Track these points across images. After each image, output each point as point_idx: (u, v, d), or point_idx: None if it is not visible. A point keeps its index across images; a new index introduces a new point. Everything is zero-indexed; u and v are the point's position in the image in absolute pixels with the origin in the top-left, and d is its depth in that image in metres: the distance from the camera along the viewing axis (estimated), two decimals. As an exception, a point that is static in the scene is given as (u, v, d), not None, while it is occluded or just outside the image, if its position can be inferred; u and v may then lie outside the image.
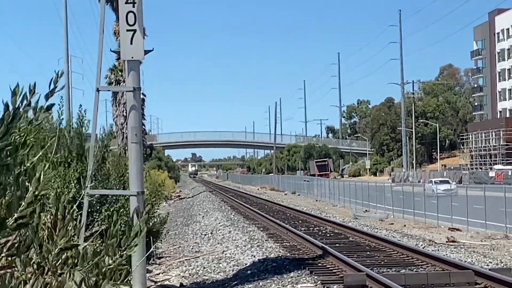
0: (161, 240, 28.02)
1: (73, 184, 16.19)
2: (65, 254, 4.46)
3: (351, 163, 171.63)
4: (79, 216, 13.35)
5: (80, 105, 18.09)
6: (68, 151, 17.52)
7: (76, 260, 4.49)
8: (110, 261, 4.50)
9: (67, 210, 4.56)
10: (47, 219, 4.53)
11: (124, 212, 16.96)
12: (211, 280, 21.50)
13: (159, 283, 21.23)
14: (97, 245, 4.69)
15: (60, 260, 4.44)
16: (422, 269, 20.84)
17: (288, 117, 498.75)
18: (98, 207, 16.92)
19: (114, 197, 17.94)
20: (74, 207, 5.03)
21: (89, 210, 14.85)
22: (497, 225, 32.50)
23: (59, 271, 4.43)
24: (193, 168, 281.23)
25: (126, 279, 4.61)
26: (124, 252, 4.57)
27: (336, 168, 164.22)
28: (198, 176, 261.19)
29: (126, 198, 17.61)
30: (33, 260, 4.43)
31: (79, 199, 15.75)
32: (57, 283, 4.45)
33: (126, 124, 21.68)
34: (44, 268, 4.41)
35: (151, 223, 21.67)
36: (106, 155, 18.68)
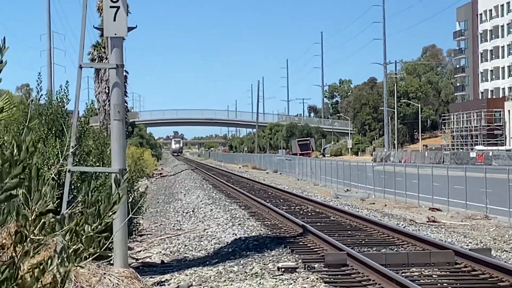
0: (142, 216, 28.01)
1: (52, 161, 16.13)
2: (43, 220, 4.46)
3: (333, 142, 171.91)
4: (57, 187, 13.34)
5: (67, 82, 17.96)
6: (48, 128, 17.46)
7: (54, 226, 4.49)
8: (90, 229, 4.51)
9: (41, 177, 4.54)
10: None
11: (104, 189, 16.94)
12: (192, 257, 21.53)
13: (140, 261, 21.24)
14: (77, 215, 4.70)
15: (37, 226, 4.44)
16: (402, 248, 20.94)
17: (271, 96, 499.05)
18: (78, 185, 16.86)
19: (95, 174, 17.90)
20: (51, 174, 5.02)
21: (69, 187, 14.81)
22: (477, 205, 32.68)
23: (37, 237, 4.43)
24: (177, 145, 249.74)
25: (106, 246, 4.63)
26: (104, 220, 4.59)
27: (318, 148, 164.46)
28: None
29: (106, 175, 17.58)
30: (10, 228, 4.43)
31: (55, 175, 15.74)
32: (37, 250, 4.46)
33: (109, 101, 21.60)
34: (23, 235, 4.40)
35: (131, 197, 21.63)
36: (86, 132, 18.59)
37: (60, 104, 18.04)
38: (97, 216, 4.56)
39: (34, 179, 4.37)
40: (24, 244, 4.40)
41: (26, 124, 15.70)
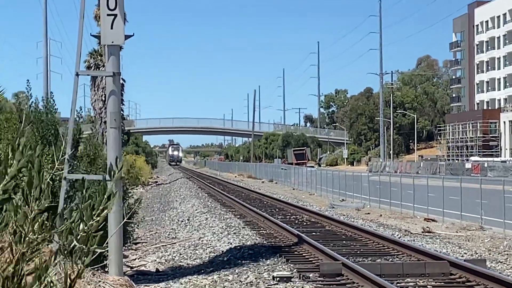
0: (137, 225, 27.98)
1: (47, 169, 16.09)
2: (41, 218, 4.47)
3: (328, 152, 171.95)
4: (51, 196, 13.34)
5: (51, 92, 17.97)
6: (41, 136, 17.41)
7: (52, 223, 4.52)
8: (85, 227, 4.53)
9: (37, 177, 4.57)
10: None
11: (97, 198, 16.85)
12: (187, 266, 21.51)
13: (135, 269, 21.22)
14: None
15: (36, 224, 4.46)
16: (397, 258, 20.94)
17: (267, 105, 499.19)
18: (70, 194, 16.79)
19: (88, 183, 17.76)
20: (48, 176, 5.04)
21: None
22: (472, 216, 32.68)
23: (35, 236, 4.45)
24: (175, 153, 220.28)
25: (103, 243, 4.65)
26: (98, 217, 4.60)
27: (314, 157, 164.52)
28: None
29: (98, 183, 17.52)
30: (8, 227, 4.44)
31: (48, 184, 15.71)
32: (34, 250, 4.47)
33: (105, 108, 21.58)
34: (21, 235, 4.41)
35: (125, 204, 21.59)
36: (79, 140, 18.54)
37: (49, 111, 17.98)
38: (91, 211, 4.59)
39: (36, 174, 4.40)
40: (23, 244, 4.41)
41: (19, 130, 15.72)
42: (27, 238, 4.44)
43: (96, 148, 19.90)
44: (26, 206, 4.44)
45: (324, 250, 20.90)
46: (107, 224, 14.07)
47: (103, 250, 4.70)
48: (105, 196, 4.64)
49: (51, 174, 15.83)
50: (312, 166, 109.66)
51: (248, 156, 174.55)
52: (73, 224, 4.51)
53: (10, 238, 4.44)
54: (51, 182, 15.94)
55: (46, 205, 4.47)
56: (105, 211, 4.66)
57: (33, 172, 4.38)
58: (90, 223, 4.57)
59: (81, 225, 4.55)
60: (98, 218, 4.61)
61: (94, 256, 4.60)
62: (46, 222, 4.54)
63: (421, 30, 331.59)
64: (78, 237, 4.49)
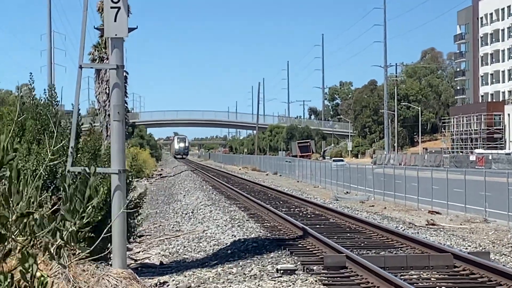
0: (140, 223, 27.98)
1: (47, 161, 16.04)
2: (24, 221, 4.44)
3: (333, 144, 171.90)
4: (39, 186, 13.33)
5: (53, 84, 17.91)
6: (43, 128, 17.36)
7: (34, 227, 4.48)
8: (72, 226, 4.50)
9: (23, 177, 4.53)
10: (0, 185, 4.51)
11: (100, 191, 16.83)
12: (191, 259, 21.53)
13: (139, 261, 21.25)
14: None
15: (19, 228, 4.43)
16: (401, 251, 20.94)
17: (271, 98, 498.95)
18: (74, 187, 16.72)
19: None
20: (35, 177, 5.01)
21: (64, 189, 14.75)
22: (476, 208, 32.66)
23: (18, 239, 4.42)
24: (181, 145, 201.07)
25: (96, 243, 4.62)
26: (83, 215, 4.58)
27: (318, 150, 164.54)
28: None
29: (102, 176, 17.45)
30: None
31: (47, 176, 15.71)
32: (19, 250, 4.44)
33: (109, 101, 21.59)
34: (4, 236, 4.38)
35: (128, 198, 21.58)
36: (81, 133, 18.49)
37: (50, 103, 17.90)
38: (75, 212, 4.56)
39: (14, 181, 4.35)
40: (5, 244, 4.38)
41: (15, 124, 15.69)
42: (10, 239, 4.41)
43: (96, 142, 19.83)
44: (6, 209, 4.40)
45: (328, 243, 20.89)
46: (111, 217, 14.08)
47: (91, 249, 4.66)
48: (86, 196, 4.60)
49: (50, 166, 15.82)
50: (342, 160, 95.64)
51: (252, 149, 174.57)
52: (60, 223, 4.48)
53: None
54: (49, 178, 15.94)
55: (26, 211, 4.43)
56: (91, 212, 4.62)
57: (13, 178, 4.33)
58: (74, 221, 4.52)
59: (67, 224, 4.51)
60: (83, 216, 4.57)
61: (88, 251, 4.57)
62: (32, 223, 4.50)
63: (425, 22, 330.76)
64: (64, 236, 4.46)
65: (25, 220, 4.46)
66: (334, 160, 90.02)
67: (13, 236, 4.41)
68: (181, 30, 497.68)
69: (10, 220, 4.38)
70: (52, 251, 4.45)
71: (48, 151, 16.08)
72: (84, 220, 4.60)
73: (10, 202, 4.39)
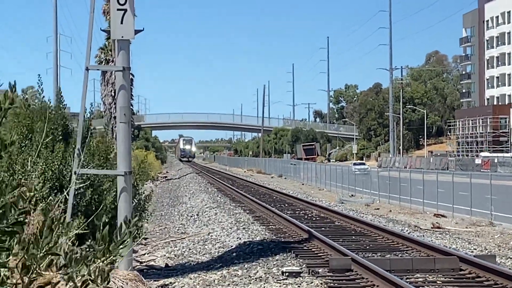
0: (147, 220, 28.00)
1: (57, 165, 16.04)
2: (50, 257, 4.43)
3: (338, 147, 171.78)
4: (64, 210, 13.32)
5: (60, 88, 17.95)
6: (53, 132, 17.37)
7: (61, 263, 4.46)
8: (100, 263, 4.48)
9: (50, 207, 4.51)
10: (32, 220, 4.50)
11: (110, 194, 16.86)
12: (196, 261, 21.52)
13: (144, 264, 21.24)
14: (85, 247, 4.68)
15: (45, 263, 4.41)
16: (407, 254, 20.91)
17: (277, 100, 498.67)
18: (82, 190, 16.72)
19: (98, 180, 17.67)
20: (60, 198, 5.01)
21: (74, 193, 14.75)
22: (482, 212, 32.62)
23: (44, 273, 4.41)
24: (187, 147, 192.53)
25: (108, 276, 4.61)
26: (111, 257, 4.55)
27: (323, 152, 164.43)
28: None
29: (111, 180, 17.44)
30: (17, 261, 4.38)
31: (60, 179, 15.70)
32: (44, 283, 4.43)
33: (115, 103, 21.61)
34: (29, 269, 4.36)
35: (136, 200, 21.59)
36: (90, 135, 18.51)
37: (58, 107, 17.90)
38: (105, 251, 4.55)
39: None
40: (31, 276, 4.38)
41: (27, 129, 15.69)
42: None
43: (106, 145, 19.84)
44: (35, 246, 4.38)
45: (333, 245, 20.87)
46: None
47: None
48: (119, 240, 4.57)
49: (59, 169, 15.84)
50: (363, 163, 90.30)
51: (257, 151, 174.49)
52: (85, 262, 4.45)
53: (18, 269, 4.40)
54: (59, 180, 15.96)
55: (54, 251, 4.42)
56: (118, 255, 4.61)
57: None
58: (103, 258, 4.50)
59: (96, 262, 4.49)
60: (111, 255, 4.55)
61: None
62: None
63: (431, 25, 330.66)
64: (91, 272, 4.44)
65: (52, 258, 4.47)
66: (354, 164, 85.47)
67: (38, 271, 4.41)
68: (186, 33, 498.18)
69: (38, 257, 4.38)
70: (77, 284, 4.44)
71: (59, 154, 16.08)
72: (111, 259, 4.60)
73: (40, 240, 4.39)
